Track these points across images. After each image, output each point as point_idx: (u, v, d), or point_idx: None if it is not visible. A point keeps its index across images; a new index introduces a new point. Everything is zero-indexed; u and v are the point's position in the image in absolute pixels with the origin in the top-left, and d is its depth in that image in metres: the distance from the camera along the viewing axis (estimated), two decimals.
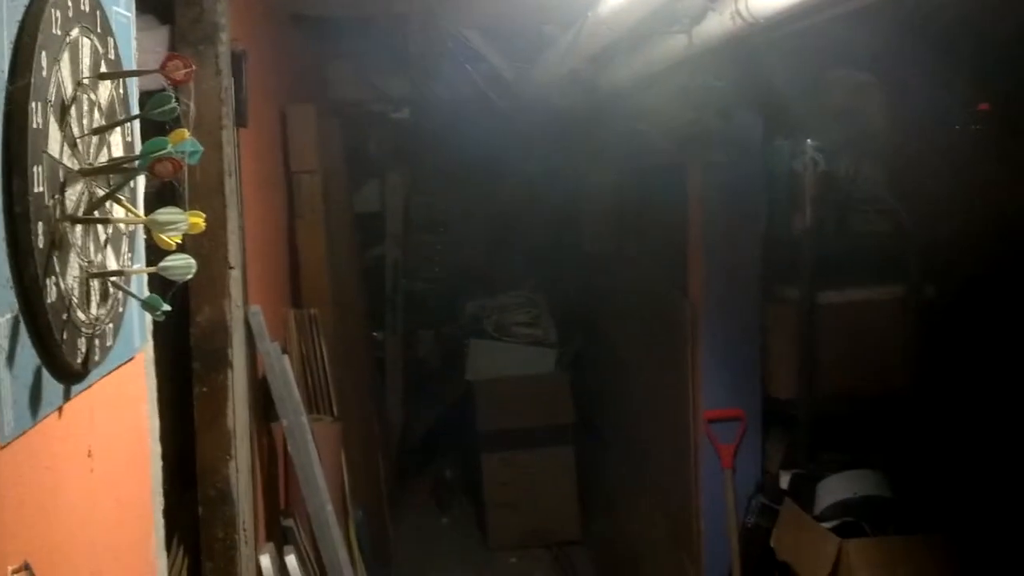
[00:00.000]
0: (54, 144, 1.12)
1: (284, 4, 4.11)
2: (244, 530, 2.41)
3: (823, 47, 3.30)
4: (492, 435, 5.58)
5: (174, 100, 1.18)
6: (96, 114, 1.25)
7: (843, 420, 3.72)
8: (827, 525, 3.38)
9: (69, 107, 1.16)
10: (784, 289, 3.79)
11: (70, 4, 1.17)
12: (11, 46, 1.06)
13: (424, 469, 6.40)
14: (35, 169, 1.06)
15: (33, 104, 1.06)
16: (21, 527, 1.05)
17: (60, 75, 1.14)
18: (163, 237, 1.21)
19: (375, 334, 6.30)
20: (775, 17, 2.38)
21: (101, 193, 1.24)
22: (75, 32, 1.19)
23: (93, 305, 1.24)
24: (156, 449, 1.59)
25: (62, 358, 1.14)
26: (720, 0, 2.61)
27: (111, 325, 1.31)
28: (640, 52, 3.34)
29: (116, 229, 1.32)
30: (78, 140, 1.19)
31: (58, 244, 1.12)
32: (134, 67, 1.45)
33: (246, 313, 2.69)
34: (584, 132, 5.52)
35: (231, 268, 2.37)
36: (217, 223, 2.30)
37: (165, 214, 1.20)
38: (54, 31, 1.12)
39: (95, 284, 1.24)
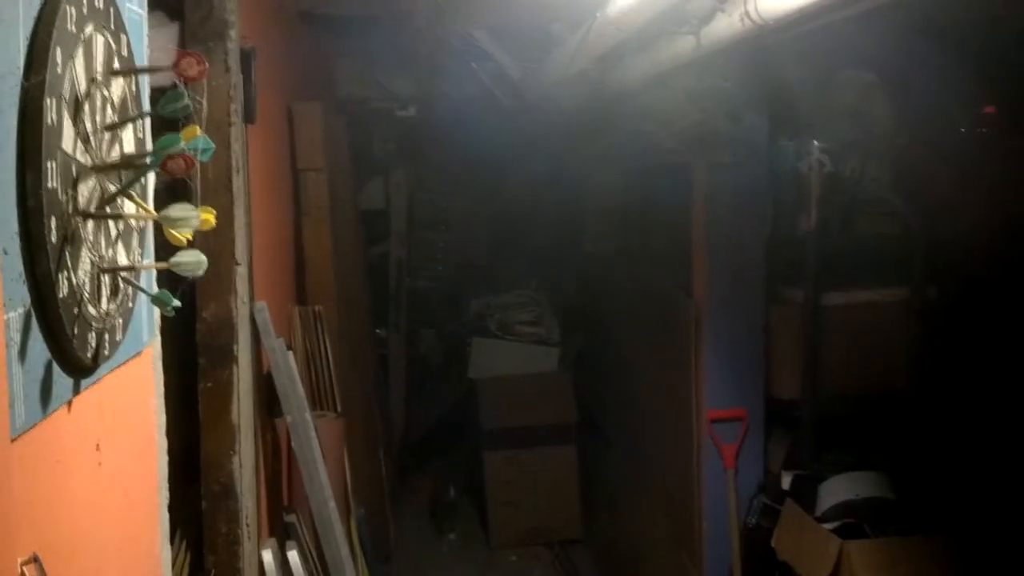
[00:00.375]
0: (68, 140, 1.12)
1: (292, 2, 4.11)
2: (247, 525, 2.42)
3: (830, 48, 3.30)
4: (495, 433, 5.58)
5: (187, 97, 1.19)
6: (109, 110, 1.26)
7: (846, 421, 3.73)
8: (828, 526, 3.39)
9: (83, 103, 1.17)
10: (788, 290, 3.79)
11: (84, 1, 1.18)
12: (27, 42, 1.06)
13: (425, 467, 6.40)
14: (49, 164, 1.06)
15: (48, 100, 1.06)
16: (31, 519, 1.06)
17: (74, 72, 1.14)
18: (174, 233, 1.21)
19: (378, 331, 6.30)
20: (785, 19, 2.38)
21: (113, 189, 1.25)
22: (89, 29, 1.19)
23: (104, 300, 1.24)
24: (163, 443, 1.60)
25: (73, 352, 1.15)
26: (729, 1, 2.61)
27: (120, 320, 1.31)
28: (648, 53, 3.34)
29: (127, 225, 1.32)
30: (91, 136, 1.19)
31: (70, 239, 1.12)
32: (145, 64, 1.46)
33: (252, 309, 2.69)
34: (589, 132, 5.52)
35: (237, 264, 2.38)
36: (224, 220, 2.31)
37: (177, 210, 1.20)
38: (69, 28, 1.12)
39: (106, 279, 1.25)
